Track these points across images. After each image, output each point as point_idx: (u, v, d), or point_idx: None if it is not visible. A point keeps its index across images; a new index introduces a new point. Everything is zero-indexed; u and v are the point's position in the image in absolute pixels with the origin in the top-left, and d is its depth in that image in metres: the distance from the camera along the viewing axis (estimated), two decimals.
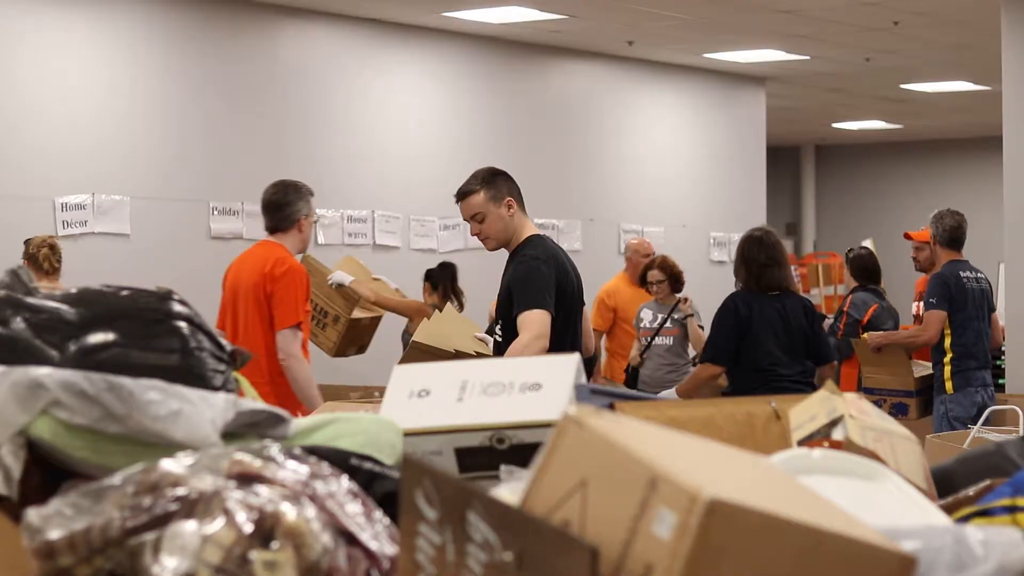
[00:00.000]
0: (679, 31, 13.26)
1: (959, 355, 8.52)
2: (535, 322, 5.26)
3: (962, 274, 8.59)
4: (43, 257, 8.63)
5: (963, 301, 8.52)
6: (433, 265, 13.16)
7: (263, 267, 6.49)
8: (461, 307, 10.18)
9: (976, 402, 8.37)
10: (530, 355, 4.92)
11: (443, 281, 10.17)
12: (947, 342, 8.54)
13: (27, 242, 8.90)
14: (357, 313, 9.63)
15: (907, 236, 9.79)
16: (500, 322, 5.55)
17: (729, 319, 6.88)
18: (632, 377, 9.50)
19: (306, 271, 6.66)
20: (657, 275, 9.59)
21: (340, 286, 9.50)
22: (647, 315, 9.55)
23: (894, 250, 13.78)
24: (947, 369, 8.54)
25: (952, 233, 8.64)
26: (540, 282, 5.33)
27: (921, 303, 9.51)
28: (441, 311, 9.85)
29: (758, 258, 6.94)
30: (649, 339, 9.44)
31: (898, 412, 8.62)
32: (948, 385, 8.52)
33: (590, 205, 14.36)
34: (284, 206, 6.61)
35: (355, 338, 9.67)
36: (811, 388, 6.61)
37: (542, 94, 14.05)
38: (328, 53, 12.38)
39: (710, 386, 7.06)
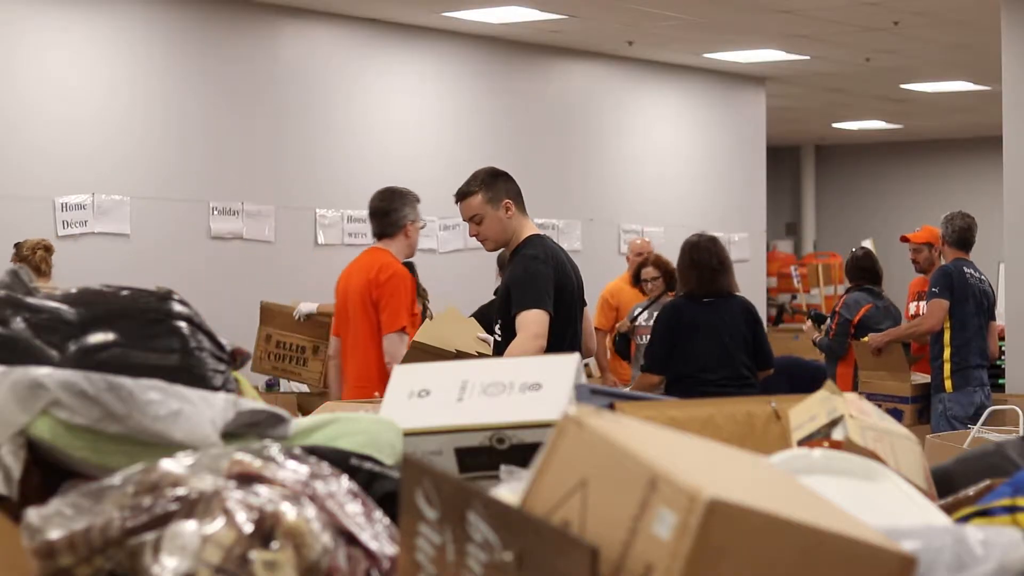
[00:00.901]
0: (679, 31, 13.26)
1: (958, 352, 8.55)
2: (532, 322, 5.26)
3: (966, 270, 8.68)
4: (39, 259, 8.63)
5: (964, 295, 8.59)
6: (433, 265, 13.17)
7: (369, 274, 6.63)
8: (425, 305, 10.21)
9: (974, 402, 8.40)
10: (528, 356, 4.93)
11: None
12: (946, 336, 8.59)
13: (18, 245, 8.88)
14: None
15: (904, 239, 9.84)
16: (499, 322, 5.54)
17: (661, 329, 7.00)
18: (622, 344, 9.48)
19: (410, 277, 6.75)
20: (652, 272, 9.58)
21: (309, 316, 9.83)
22: (643, 313, 9.54)
23: (894, 250, 13.78)
24: (947, 367, 8.56)
25: (962, 234, 8.77)
26: (538, 282, 5.33)
27: (917, 303, 9.56)
28: None
29: (710, 263, 7.01)
30: (639, 310, 9.41)
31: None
32: (947, 384, 8.54)
33: (590, 205, 14.36)
34: (390, 212, 6.72)
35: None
36: (739, 390, 6.62)
37: (542, 94, 14.05)
38: (328, 53, 12.38)
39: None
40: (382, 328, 6.55)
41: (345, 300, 6.73)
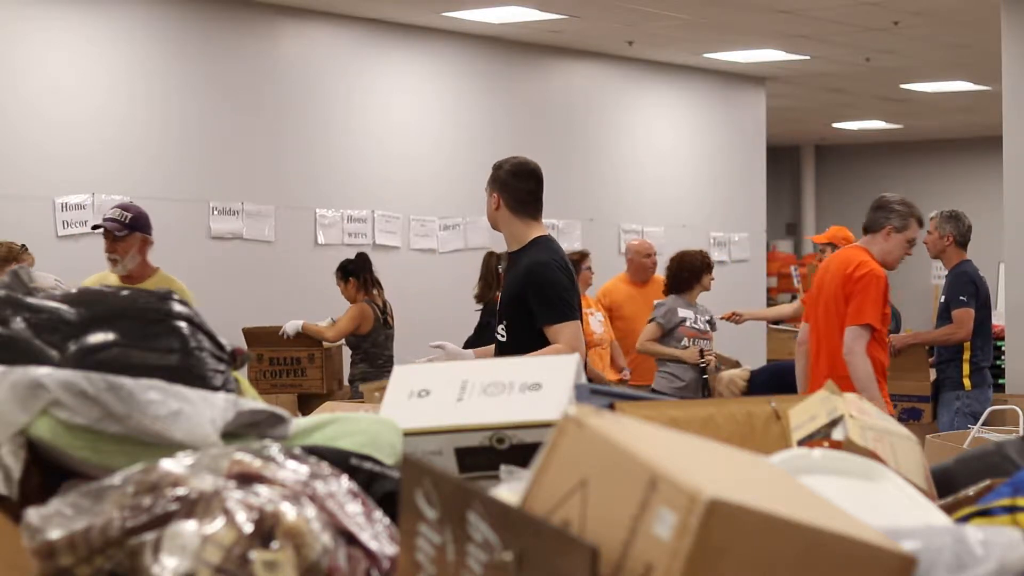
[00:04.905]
0: (679, 31, 13.26)
1: (978, 352, 8.65)
2: (572, 335, 5.31)
3: (980, 274, 8.81)
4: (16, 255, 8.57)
5: (985, 300, 8.73)
6: (433, 265, 13.16)
7: (846, 269, 6.84)
8: (383, 297, 10.21)
9: (989, 398, 8.49)
10: None
11: (361, 272, 10.16)
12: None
13: None
14: (325, 343, 10.17)
15: (815, 239, 10.05)
16: (504, 323, 5.53)
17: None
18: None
19: (885, 277, 6.86)
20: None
21: (297, 333, 9.92)
22: (689, 314, 9.51)
23: None
24: (966, 367, 8.64)
25: (967, 235, 8.89)
26: (561, 292, 5.37)
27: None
28: (358, 302, 10.04)
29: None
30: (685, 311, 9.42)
31: (910, 417, 8.67)
32: (966, 382, 8.63)
33: (590, 205, 14.36)
34: (877, 209, 7.00)
35: (333, 369, 10.17)
36: None
37: (542, 94, 14.05)
38: (328, 53, 12.38)
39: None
40: (847, 320, 6.75)
41: (820, 290, 6.98)
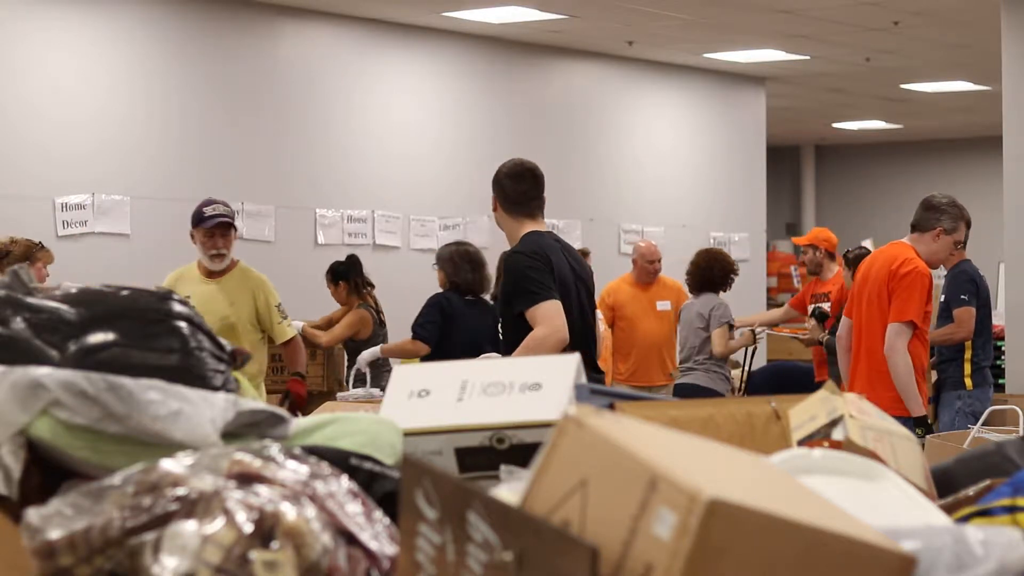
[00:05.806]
0: (679, 31, 13.26)
1: (979, 351, 8.64)
2: (549, 314, 5.28)
3: (980, 272, 8.79)
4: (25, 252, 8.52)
5: (986, 298, 8.71)
6: (432, 264, 13.15)
7: (892, 265, 6.81)
8: (374, 296, 10.20)
9: (990, 398, 8.48)
10: (551, 345, 5.10)
11: (352, 275, 10.14)
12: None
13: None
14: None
15: (796, 242, 10.05)
16: (500, 320, 5.57)
17: (436, 312, 8.45)
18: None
19: (930, 276, 6.85)
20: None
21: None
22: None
23: None
24: (967, 366, 8.62)
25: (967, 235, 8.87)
26: (532, 274, 5.34)
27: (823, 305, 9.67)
28: (353, 305, 10.03)
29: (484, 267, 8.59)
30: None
31: None
32: (968, 382, 8.61)
33: (590, 205, 14.36)
34: (928, 209, 6.97)
35: (335, 368, 10.20)
36: None
37: (542, 94, 14.04)
38: (328, 53, 12.38)
39: None
40: (889, 317, 6.71)
41: (864, 284, 6.93)
